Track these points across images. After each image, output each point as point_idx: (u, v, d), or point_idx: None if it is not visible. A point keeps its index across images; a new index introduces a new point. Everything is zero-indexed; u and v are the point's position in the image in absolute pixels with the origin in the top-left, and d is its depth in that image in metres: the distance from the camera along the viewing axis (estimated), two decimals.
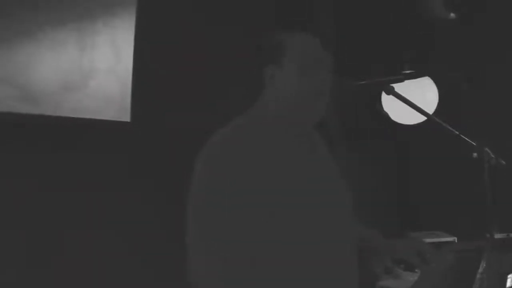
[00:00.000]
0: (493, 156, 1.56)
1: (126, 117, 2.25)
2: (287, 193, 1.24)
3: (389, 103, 2.90)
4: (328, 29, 2.98)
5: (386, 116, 2.91)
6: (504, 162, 1.59)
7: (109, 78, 2.22)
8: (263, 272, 1.22)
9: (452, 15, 3.06)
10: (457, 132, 1.58)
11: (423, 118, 2.33)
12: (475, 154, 1.57)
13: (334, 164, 1.47)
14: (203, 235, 1.21)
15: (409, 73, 1.62)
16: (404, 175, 3.38)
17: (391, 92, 1.48)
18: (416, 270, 1.60)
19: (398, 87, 1.56)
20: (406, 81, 1.59)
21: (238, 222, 1.20)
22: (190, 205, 1.25)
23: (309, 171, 1.33)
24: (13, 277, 1.97)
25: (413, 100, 1.58)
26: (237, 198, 1.21)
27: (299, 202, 1.26)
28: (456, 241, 2.76)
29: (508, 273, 1.19)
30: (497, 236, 1.59)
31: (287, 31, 1.37)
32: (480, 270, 1.28)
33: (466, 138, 1.59)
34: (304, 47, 1.33)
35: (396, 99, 1.55)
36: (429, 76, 2.77)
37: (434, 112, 2.85)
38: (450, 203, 3.06)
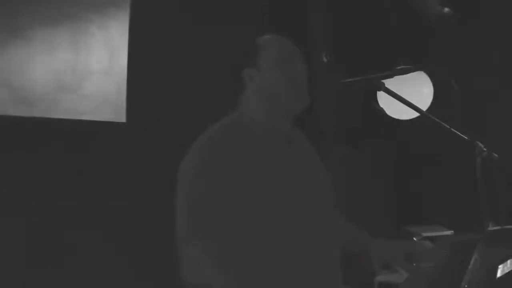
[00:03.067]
0: (485, 149, 1.57)
1: (121, 117, 2.26)
2: (267, 189, 1.29)
3: (384, 99, 2.90)
4: (322, 26, 2.99)
5: (381, 112, 2.92)
6: (496, 155, 1.60)
7: (104, 79, 2.23)
8: (245, 268, 1.25)
9: (446, 9, 3.07)
10: (449, 127, 1.59)
11: (417, 114, 2.34)
12: (468, 149, 1.58)
13: (316, 160, 1.51)
14: (188, 229, 1.25)
15: (400, 68, 1.63)
16: (402, 171, 3.40)
17: (382, 88, 1.49)
18: (414, 265, 1.61)
19: (393, 82, 1.57)
20: (400, 77, 1.60)
21: (220, 217, 1.24)
22: (178, 202, 1.30)
23: (287, 167, 1.38)
24: (12, 277, 1.98)
25: (408, 95, 1.59)
26: (219, 195, 1.26)
27: (279, 198, 1.31)
28: (452, 234, 2.77)
29: (499, 264, 1.21)
30: (491, 228, 1.60)
31: (261, 36, 1.48)
32: (472, 261, 1.29)
33: (458, 133, 1.60)
34: (276, 46, 1.43)
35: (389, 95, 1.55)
36: (422, 71, 2.78)
37: (429, 107, 2.86)
38: (446, 197, 3.08)
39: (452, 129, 1.57)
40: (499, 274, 1.15)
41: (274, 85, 1.39)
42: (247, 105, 1.43)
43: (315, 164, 1.51)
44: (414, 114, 2.68)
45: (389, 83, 1.57)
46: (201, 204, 1.25)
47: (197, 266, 1.21)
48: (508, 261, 1.22)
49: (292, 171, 1.38)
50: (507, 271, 1.15)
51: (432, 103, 2.84)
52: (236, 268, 1.22)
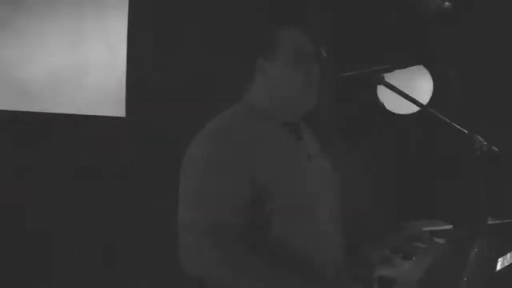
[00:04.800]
0: (485, 143, 1.57)
1: (121, 112, 2.26)
2: (274, 180, 1.28)
3: (384, 93, 2.90)
4: (318, 20, 2.98)
5: (381, 106, 2.92)
6: (496, 149, 1.60)
7: (104, 74, 2.23)
8: (250, 257, 1.24)
9: (446, 4, 3.06)
10: (449, 121, 1.59)
11: (416, 108, 2.34)
12: (469, 144, 1.58)
13: (323, 154, 1.50)
14: (192, 219, 1.23)
15: (399, 62, 1.63)
16: (401, 165, 3.40)
17: (381, 82, 1.49)
18: (414, 259, 1.62)
19: (392, 76, 1.57)
20: (400, 71, 1.59)
21: (225, 206, 1.23)
22: (184, 189, 1.28)
23: (297, 158, 1.37)
24: (11, 276, 1.98)
25: (407, 89, 1.59)
26: (226, 184, 1.24)
27: (289, 187, 1.29)
28: (452, 228, 2.78)
29: (499, 257, 1.21)
30: (491, 222, 1.60)
31: (281, 26, 1.43)
32: (472, 254, 1.30)
33: (458, 126, 1.60)
34: (296, 41, 1.38)
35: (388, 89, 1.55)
36: (420, 65, 2.78)
37: (429, 101, 2.86)
38: (446, 191, 3.08)
39: (452, 123, 1.56)
40: (498, 267, 1.16)
41: (286, 81, 1.36)
42: (256, 95, 1.40)
43: (324, 158, 1.49)
44: (415, 108, 2.68)
45: (388, 77, 1.56)
46: (212, 193, 1.22)
47: (200, 257, 1.20)
48: (508, 255, 1.23)
49: (302, 162, 1.37)
50: (506, 264, 1.15)
51: (431, 97, 2.84)
52: (246, 261, 1.21)
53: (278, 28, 1.42)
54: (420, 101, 1.67)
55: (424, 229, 2.81)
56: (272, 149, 1.31)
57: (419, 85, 2.84)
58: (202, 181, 1.24)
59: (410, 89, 2.20)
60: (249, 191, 1.25)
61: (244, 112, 1.38)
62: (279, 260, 1.26)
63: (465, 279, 1.15)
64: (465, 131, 1.58)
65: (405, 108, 2.82)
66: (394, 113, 2.96)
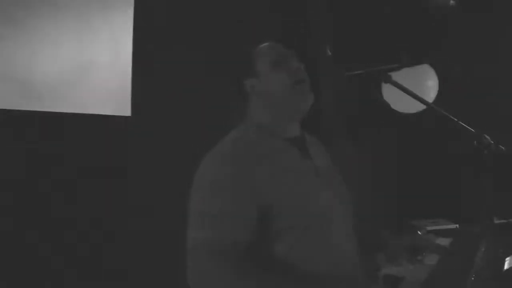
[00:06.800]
0: (492, 142, 1.57)
1: (126, 111, 2.26)
2: (285, 198, 1.29)
3: (389, 92, 2.90)
4: (324, 19, 2.98)
5: (386, 105, 2.92)
6: (503, 148, 1.59)
7: (109, 73, 2.23)
8: (262, 275, 1.24)
9: (452, 2, 3.05)
10: (456, 119, 1.58)
11: (423, 107, 2.34)
12: (475, 142, 1.58)
13: (330, 163, 1.50)
14: (202, 241, 1.23)
15: (407, 61, 1.62)
16: (405, 163, 3.39)
17: (389, 80, 1.49)
18: (419, 258, 1.62)
19: (397, 75, 1.57)
20: (405, 69, 1.59)
21: (237, 231, 1.24)
22: (191, 213, 1.28)
23: (304, 173, 1.38)
24: (10, 275, 1.98)
25: (412, 88, 1.59)
26: (234, 205, 1.25)
27: (298, 204, 1.29)
28: (457, 227, 2.77)
29: (506, 256, 1.21)
30: (497, 221, 1.60)
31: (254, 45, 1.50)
32: (480, 254, 1.29)
33: (466, 125, 1.59)
34: (268, 51, 1.45)
35: (395, 87, 1.55)
36: (427, 64, 2.78)
37: (434, 100, 2.86)
38: (451, 190, 3.07)
39: (460, 122, 1.56)
40: (506, 266, 1.15)
41: (273, 88, 1.40)
42: (255, 113, 1.44)
43: (331, 169, 1.50)
44: (420, 107, 2.67)
45: (395, 75, 1.56)
46: (221, 214, 1.23)
47: (210, 276, 1.19)
48: None
49: (309, 177, 1.38)
50: None
51: (437, 95, 2.83)
52: (258, 279, 1.21)
53: (251, 47, 1.48)
54: (427, 100, 1.66)
55: (429, 228, 2.81)
56: (278, 167, 1.32)
57: (425, 83, 2.83)
58: (212, 203, 1.26)
59: (416, 87, 2.19)
60: (258, 211, 1.26)
61: (249, 132, 1.41)
62: (292, 276, 1.26)
63: (473, 278, 1.15)
64: (472, 130, 1.57)
65: (411, 106, 2.82)
66: (397, 112, 2.96)
